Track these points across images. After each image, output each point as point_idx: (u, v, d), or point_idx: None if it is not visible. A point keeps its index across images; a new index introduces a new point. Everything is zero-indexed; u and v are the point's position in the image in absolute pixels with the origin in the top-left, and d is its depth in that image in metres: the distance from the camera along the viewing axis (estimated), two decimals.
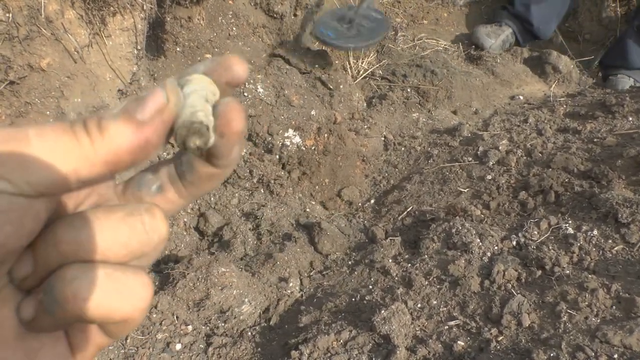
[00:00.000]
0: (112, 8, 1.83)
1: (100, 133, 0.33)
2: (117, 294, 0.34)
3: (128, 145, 0.33)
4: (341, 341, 1.42)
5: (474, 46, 3.48)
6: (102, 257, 0.34)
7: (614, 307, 1.37)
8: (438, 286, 1.59)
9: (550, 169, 2.04)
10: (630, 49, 3.29)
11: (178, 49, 2.11)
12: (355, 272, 1.76)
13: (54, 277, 0.34)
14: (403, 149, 2.55)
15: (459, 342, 1.37)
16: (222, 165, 0.38)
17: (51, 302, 0.33)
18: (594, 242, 1.63)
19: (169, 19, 2.08)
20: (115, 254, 0.35)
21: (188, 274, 1.62)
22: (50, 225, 0.35)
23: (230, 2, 2.31)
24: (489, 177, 2.13)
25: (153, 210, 0.37)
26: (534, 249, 1.66)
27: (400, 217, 2.04)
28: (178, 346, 1.54)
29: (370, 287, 1.66)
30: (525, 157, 2.21)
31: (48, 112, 1.68)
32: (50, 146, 0.31)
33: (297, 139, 2.18)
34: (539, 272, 1.57)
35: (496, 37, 3.40)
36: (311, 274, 1.83)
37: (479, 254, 1.68)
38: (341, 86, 2.44)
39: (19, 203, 0.31)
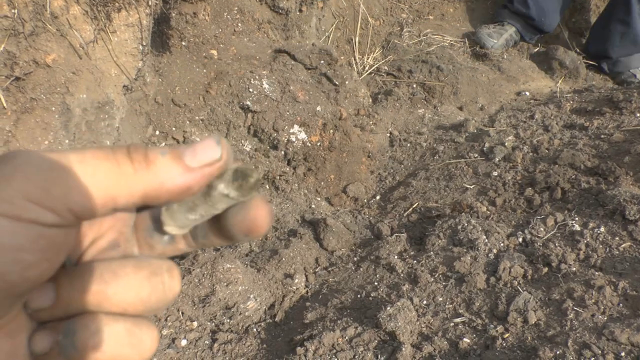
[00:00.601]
0: (117, 4, 1.82)
1: (147, 164, 0.34)
2: (131, 348, 0.36)
3: (172, 183, 0.34)
4: (346, 338, 1.42)
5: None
6: (122, 310, 0.36)
7: (620, 304, 1.37)
8: (444, 283, 1.59)
9: (557, 165, 2.03)
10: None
11: (183, 44, 2.11)
12: (361, 269, 1.76)
13: (77, 324, 0.35)
14: (409, 145, 2.55)
15: (464, 339, 1.37)
16: (235, 242, 0.40)
17: (69, 347, 0.34)
18: (600, 239, 1.62)
19: (174, 14, 2.07)
20: (134, 308, 0.36)
21: (193, 270, 1.62)
22: (80, 269, 0.36)
23: None
24: (495, 173, 2.12)
25: (173, 272, 0.39)
26: (540, 245, 1.65)
27: (406, 213, 2.03)
28: (183, 342, 1.54)
29: (376, 283, 1.66)
30: (531, 154, 2.20)
31: (53, 108, 1.67)
32: (91, 172, 0.32)
33: (302, 135, 2.18)
34: (545, 269, 1.56)
35: (498, 37, 3.37)
36: (316, 270, 1.82)
37: (484, 250, 1.67)
38: (347, 82, 2.43)
39: (47, 235, 0.31)
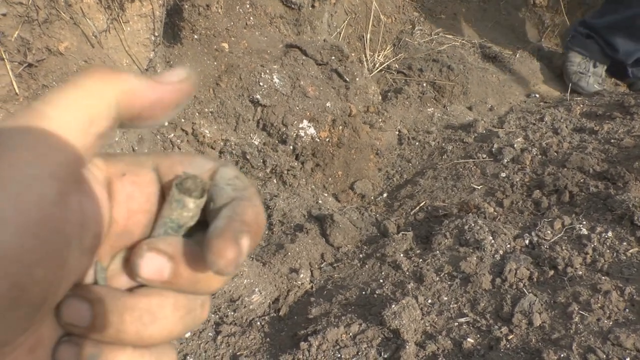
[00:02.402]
0: None
1: (117, 75, 0.34)
2: None
3: (144, 92, 0.35)
4: (350, 334, 1.42)
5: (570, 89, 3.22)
6: (151, 345, 0.36)
7: (627, 309, 1.36)
8: (449, 282, 1.58)
9: (566, 169, 2.02)
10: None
11: (195, 36, 2.11)
12: (366, 266, 1.76)
13: (104, 355, 0.35)
14: (417, 143, 2.54)
15: (468, 339, 1.37)
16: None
17: None
18: (608, 243, 1.62)
19: (186, 6, 2.07)
20: (162, 342, 0.36)
21: None
22: (116, 305, 0.35)
23: None
24: (503, 174, 2.11)
25: (206, 305, 0.39)
26: (546, 248, 1.65)
27: (413, 212, 2.03)
28: (187, 334, 1.55)
29: (381, 281, 1.66)
30: (540, 156, 2.19)
31: None
32: (65, 106, 0.32)
33: (311, 130, 2.18)
34: (551, 272, 1.56)
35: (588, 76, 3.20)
36: (322, 265, 1.83)
37: (491, 251, 1.67)
38: (357, 79, 2.43)
39: (47, 218, 0.29)
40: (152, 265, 0.35)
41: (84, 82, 0.33)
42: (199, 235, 0.38)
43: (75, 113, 0.32)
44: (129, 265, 0.36)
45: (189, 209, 0.37)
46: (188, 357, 1.49)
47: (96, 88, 0.33)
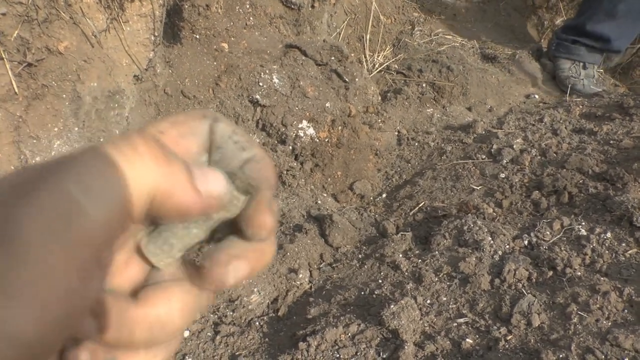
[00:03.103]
0: None
1: (168, 161, 0.33)
2: None
3: (183, 196, 0.34)
4: (349, 334, 1.42)
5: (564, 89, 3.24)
6: (163, 344, 0.37)
7: (625, 310, 1.36)
8: (448, 283, 1.58)
9: (565, 170, 2.02)
10: None
11: (195, 36, 2.11)
12: (365, 266, 1.76)
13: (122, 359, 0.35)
14: (416, 144, 2.54)
15: (467, 339, 1.37)
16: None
17: None
18: (607, 244, 1.62)
19: (186, 6, 2.07)
20: (171, 340, 0.38)
21: None
22: (126, 316, 0.35)
23: None
24: (503, 175, 2.11)
25: (211, 298, 0.40)
26: (545, 249, 1.65)
27: (412, 212, 2.03)
28: (186, 333, 1.55)
29: (380, 281, 1.66)
30: (539, 157, 2.19)
31: (64, 95, 1.68)
32: (101, 196, 0.30)
33: (311, 131, 2.18)
34: (550, 273, 1.56)
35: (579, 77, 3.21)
36: (321, 266, 1.83)
37: (490, 252, 1.67)
38: (357, 79, 2.43)
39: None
40: (238, 272, 0.36)
41: (125, 165, 0.30)
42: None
43: (111, 207, 0.29)
44: (207, 275, 0.36)
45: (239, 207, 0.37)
46: (187, 357, 1.49)
47: (136, 176, 0.31)
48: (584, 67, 3.21)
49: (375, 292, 1.59)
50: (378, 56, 2.99)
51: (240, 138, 0.37)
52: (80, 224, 0.28)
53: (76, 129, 1.72)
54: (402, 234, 1.87)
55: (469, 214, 1.90)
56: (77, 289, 0.28)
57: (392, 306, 1.44)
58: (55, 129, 1.67)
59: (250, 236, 0.36)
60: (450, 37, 3.38)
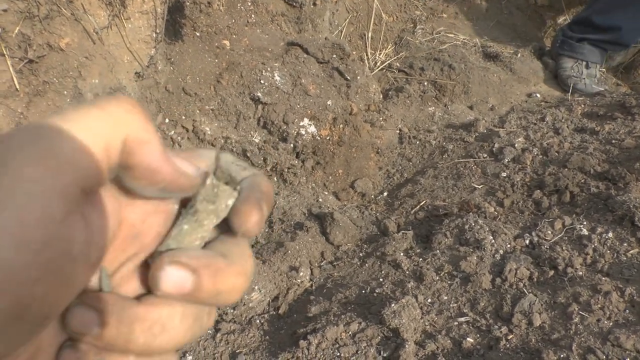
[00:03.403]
0: None
1: (136, 110, 0.34)
2: None
3: (150, 156, 0.34)
4: (350, 333, 1.42)
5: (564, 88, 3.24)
6: (161, 354, 0.37)
7: (627, 310, 1.36)
8: (449, 282, 1.58)
9: (566, 169, 2.02)
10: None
11: (197, 33, 2.11)
12: (366, 264, 1.76)
13: None
14: (418, 142, 2.54)
15: (468, 338, 1.37)
16: None
17: None
18: (608, 244, 1.61)
19: (188, 3, 2.07)
20: (170, 351, 0.37)
21: None
22: (126, 314, 0.35)
23: None
24: (504, 174, 2.11)
25: (212, 313, 0.39)
26: (547, 248, 1.65)
27: (413, 211, 2.03)
28: (189, 358, 1.54)
29: (381, 280, 1.65)
30: (541, 156, 2.19)
31: (65, 92, 1.68)
32: (82, 126, 0.31)
33: (312, 129, 2.18)
34: (552, 272, 1.55)
35: (582, 76, 3.19)
36: (322, 264, 1.82)
37: (491, 251, 1.67)
38: (358, 77, 2.42)
39: (52, 237, 0.28)
40: (173, 278, 0.35)
41: (110, 107, 0.32)
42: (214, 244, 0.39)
43: (93, 136, 0.30)
44: (149, 277, 0.36)
45: (227, 202, 0.38)
46: (187, 355, 1.49)
47: (119, 115, 0.32)
48: (587, 67, 3.20)
49: (376, 291, 1.58)
50: (380, 54, 2.99)
51: (243, 163, 0.41)
52: (62, 147, 0.28)
53: None
54: (403, 233, 1.87)
55: (470, 213, 1.89)
56: (56, 216, 0.28)
57: (392, 305, 1.44)
58: None
59: (235, 229, 0.37)
60: (452, 35, 3.37)
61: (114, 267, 0.37)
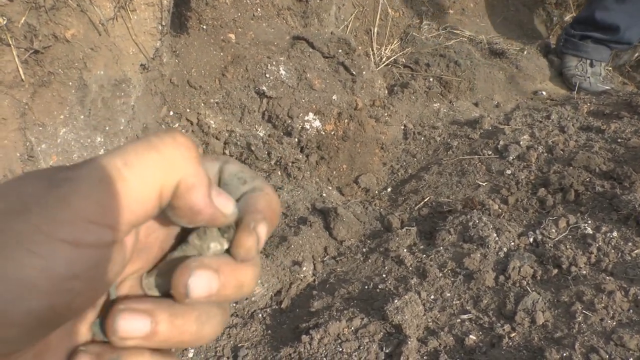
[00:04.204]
0: None
1: (190, 151, 0.36)
2: None
3: (198, 198, 0.36)
4: (352, 328, 1.42)
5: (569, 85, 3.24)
6: (205, 343, 0.39)
7: (631, 310, 1.36)
8: (452, 279, 1.58)
9: (572, 167, 2.01)
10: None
11: (202, 26, 2.10)
12: (369, 260, 1.75)
13: None
14: (422, 138, 2.53)
15: (470, 336, 1.36)
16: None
17: None
18: (613, 243, 1.61)
19: None
20: (210, 341, 0.42)
21: None
22: (174, 310, 0.38)
23: None
24: (509, 171, 2.10)
25: (229, 305, 0.43)
26: (551, 247, 1.64)
27: (417, 207, 2.02)
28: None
29: (384, 275, 1.65)
30: (546, 154, 2.18)
31: (70, 83, 1.67)
32: (139, 172, 0.33)
33: (317, 123, 2.17)
34: (555, 271, 1.55)
35: (586, 75, 3.18)
36: (325, 259, 1.82)
37: (495, 248, 1.66)
38: (364, 72, 2.42)
39: (102, 259, 0.32)
40: (201, 282, 0.36)
41: (167, 150, 0.34)
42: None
43: (151, 184, 0.33)
44: (174, 290, 0.37)
45: (210, 245, 0.40)
46: (189, 349, 1.49)
47: (175, 160, 0.34)
48: (591, 65, 3.19)
49: (379, 287, 1.58)
50: (385, 49, 2.98)
51: (245, 174, 0.42)
52: (121, 194, 0.32)
53: (82, 116, 1.72)
54: (406, 229, 1.86)
55: (475, 210, 1.89)
56: (105, 243, 0.31)
57: (395, 301, 1.43)
58: (61, 117, 1.67)
59: (233, 256, 0.39)
60: (458, 31, 3.36)
61: (120, 279, 0.40)
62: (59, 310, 0.30)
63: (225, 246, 0.39)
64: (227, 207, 0.38)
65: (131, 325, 0.35)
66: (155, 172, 0.33)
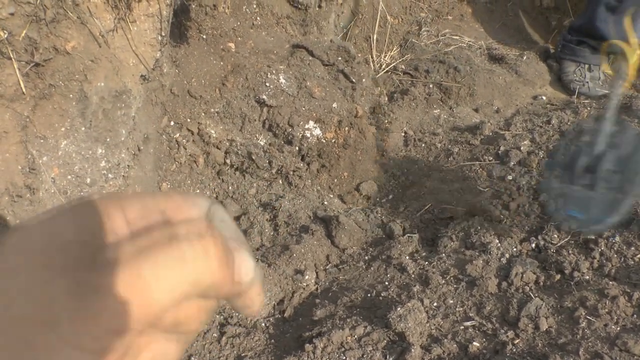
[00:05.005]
0: None
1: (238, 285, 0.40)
2: None
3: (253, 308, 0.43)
4: (356, 336, 1.42)
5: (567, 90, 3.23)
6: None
7: (635, 315, 1.35)
8: (455, 285, 1.58)
9: None
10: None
11: (202, 36, 2.11)
12: (372, 268, 1.75)
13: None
14: (423, 145, 2.53)
15: (474, 343, 1.36)
16: None
17: None
18: (615, 248, 1.61)
19: (194, 6, 2.07)
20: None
21: None
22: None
23: None
24: (510, 177, 2.10)
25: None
26: (553, 252, 1.64)
27: (419, 213, 2.02)
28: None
29: (387, 283, 1.65)
30: (547, 159, 2.18)
31: (71, 95, 1.68)
32: (169, 288, 0.34)
33: (317, 131, 2.17)
34: (558, 277, 1.55)
35: (585, 80, 3.16)
36: (327, 267, 1.82)
37: (497, 254, 1.66)
38: (364, 80, 2.42)
39: None
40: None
41: (195, 259, 0.35)
42: None
43: (178, 296, 0.34)
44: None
45: None
46: (192, 358, 1.49)
47: (201, 273, 0.35)
48: (590, 70, 3.19)
49: (382, 294, 1.58)
50: (385, 57, 2.99)
51: (228, 226, 0.43)
52: (141, 297, 0.32)
53: (83, 128, 1.72)
54: (408, 236, 1.86)
55: (476, 216, 1.89)
56: (111, 347, 0.32)
57: (398, 308, 1.43)
58: (62, 129, 1.67)
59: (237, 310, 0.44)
60: (457, 37, 3.37)
61: None
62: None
63: None
64: (247, 275, 0.40)
65: None
66: (184, 286, 0.34)
